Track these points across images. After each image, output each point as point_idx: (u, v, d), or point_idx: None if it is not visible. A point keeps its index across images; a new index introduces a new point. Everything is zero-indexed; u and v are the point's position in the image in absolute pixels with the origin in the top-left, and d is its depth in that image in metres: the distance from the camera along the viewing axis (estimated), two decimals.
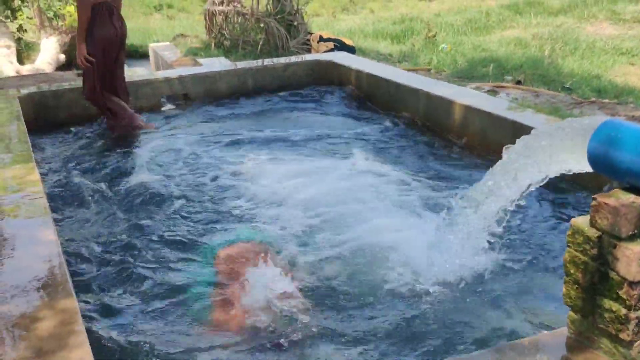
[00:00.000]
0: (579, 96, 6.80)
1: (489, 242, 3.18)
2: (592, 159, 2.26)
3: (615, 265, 2.13)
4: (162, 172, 4.93)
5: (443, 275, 3.21)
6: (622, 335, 2.14)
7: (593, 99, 6.50)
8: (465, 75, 7.90)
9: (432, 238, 3.36)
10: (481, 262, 3.22)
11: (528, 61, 8.38)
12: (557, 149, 2.40)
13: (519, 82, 7.36)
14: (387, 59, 9.17)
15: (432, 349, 2.71)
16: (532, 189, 2.65)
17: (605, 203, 2.14)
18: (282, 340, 2.80)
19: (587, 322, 2.28)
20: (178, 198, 4.42)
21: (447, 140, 5.32)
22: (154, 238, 3.85)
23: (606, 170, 2.26)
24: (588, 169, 2.32)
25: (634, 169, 2.13)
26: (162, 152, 5.37)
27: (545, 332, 2.45)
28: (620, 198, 2.14)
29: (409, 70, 8.20)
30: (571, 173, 2.43)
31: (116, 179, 4.82)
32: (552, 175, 2.53)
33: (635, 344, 2.14)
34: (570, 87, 7.31)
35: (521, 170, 2.59)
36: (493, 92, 6.77)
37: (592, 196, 2.19)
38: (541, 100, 6.45)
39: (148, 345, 2.83)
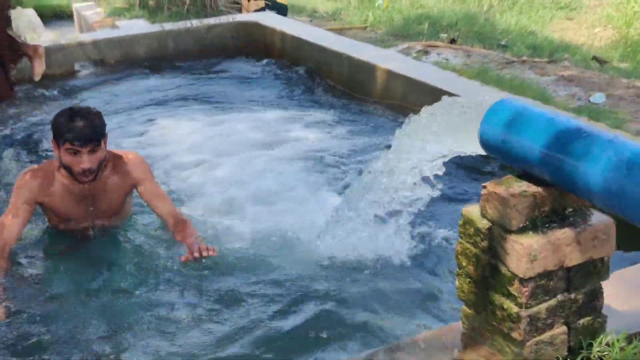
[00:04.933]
0: (513, 54, 6.61)
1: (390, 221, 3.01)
2: (484, 142, 2.05)
3: (506, 260, 1.95)
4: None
5: (341, 256, 3.03)
6: (514, 334, 1.98)
7: (525, 57, 6.32)
8: (400, 33, 7.64)
9: (333, 215, 3.15)
10: (386, 243, 3.04)
11: (464, 17, 8.15)
12: (448, 128, 2.19)
13: (453, 41, 7.13)
14: (323, 16, 8.86)
15: (325, 348, 2.52)
16: (428, 172, 2.44)
17: (494, 192, 1.95)
18: None
19: (480, 318, 2.11)
20: None
21: (370, 105, 5.10)
22: None
23: (499, 154, 2.06)
24: (481, 151, 2.11)
25: (527, 155, 1.93)
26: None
27: (441, 326, 2.28)
28: (511, 187, 1.95)
29: (343, 29, 7.91)
30: (464, 154, 2.22)
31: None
32: (447, 154, 2.31)
33: (528, 344, 1.97)
34: (506, 44, 7.13)
35: (413, 151, 2.38)
36: (424, 52, 6.54)
37: (482, 184, 2.00)
38: (473, 60, 6.24)
39: None
